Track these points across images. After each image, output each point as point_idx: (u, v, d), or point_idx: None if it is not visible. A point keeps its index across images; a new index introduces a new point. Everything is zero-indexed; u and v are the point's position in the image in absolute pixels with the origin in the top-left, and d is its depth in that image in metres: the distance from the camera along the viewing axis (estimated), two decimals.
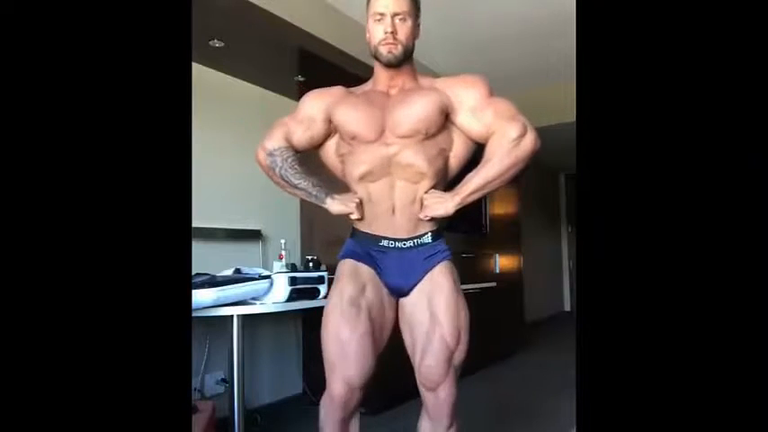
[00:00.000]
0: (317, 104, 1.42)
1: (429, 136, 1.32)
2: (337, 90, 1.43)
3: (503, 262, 4.05)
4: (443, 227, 1.40)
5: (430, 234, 1.36)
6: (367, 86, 1.43)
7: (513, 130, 1.27)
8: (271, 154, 1.41)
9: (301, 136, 1.42)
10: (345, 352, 1.26)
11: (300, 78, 2.66)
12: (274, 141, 1.42)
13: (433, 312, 1.30)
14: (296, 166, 1.41)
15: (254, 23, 2.15)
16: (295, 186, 1.41)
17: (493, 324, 3.76)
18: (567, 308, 7.58)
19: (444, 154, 1.35)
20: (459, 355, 1.30)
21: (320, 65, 2.50)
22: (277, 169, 1.41)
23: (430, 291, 1.32)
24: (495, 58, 3.98)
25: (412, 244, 1.34)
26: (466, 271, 3.46)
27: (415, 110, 1.31)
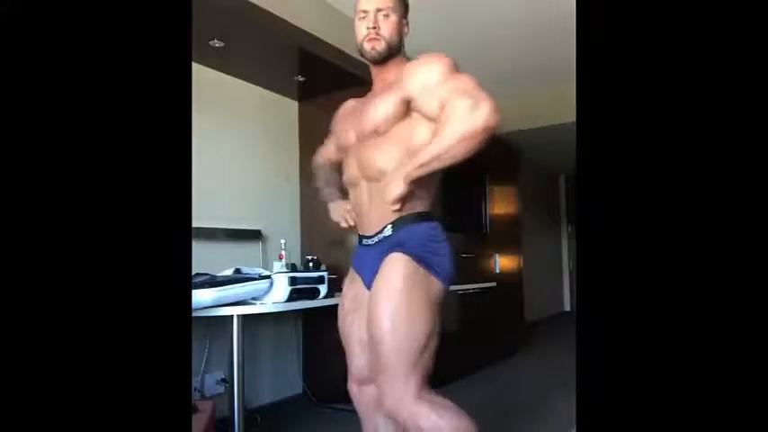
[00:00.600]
0: (333, 120, 1.55)
1: (382, 132, 1.29)
2: (347, 103, 1.54)
3: (503, 262, 4.05)
4: (417, 215, 1.30)
5: (390, 226, 1.30)
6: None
7: (465, 102, 1.15)
8: (314, 165, 1.72)
9: (329, 149, 1.64)
10: (347, 354, 1.42)
11: (300, 78, 2.66)
12: (316, 155, 1.71)
13: (369, 310, 1.26)
14: (325, 174, 1.67)
15: (254, 23, 2.15)
16: (319, 190, 1.67)
17: (493, 324, 3.77)
18: (567, 308, 7.58)
19: (405, 144, 1.28)
20: (391, 355, 1.19)
21: (320, 65, 2.50)
22: (315, 178, 1.71)
23: (375, 285, 1.27)
24: (495, 59, 3.99)
25: (377, 239, 1.33)
26: (466, 271, 3.47)
27: (375, 111, 1.31)
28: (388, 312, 1.20)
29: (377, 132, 1.30)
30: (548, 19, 3.32)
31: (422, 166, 1.20)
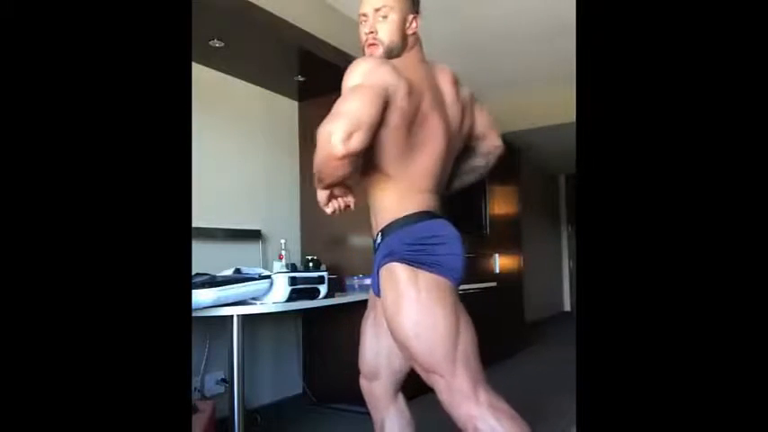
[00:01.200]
0: None
1: None
2: None
3: (503, 262, 4.05)
4: (408, 217, 1.26)
5: (380, 233, 1.29)
6: None
7: (323, 130, 1.10)
8: None
9: None
10: (360, 351, 1.46)
11: (300, 78, 2.66)
12: None
13: (388, 326, 1.27)
14: None
15: (254, 23, 2.15)
16: None
17: (493, 324, 3.76)
18: (567, 308, 7.58)
19: (371, 152, 1.22)
20: (426, 360, 1.20)
21: (320, 65, 2.50)
22: None
23: (382, 299, 1.27)
24: (497, 60, 3.99)
25: (375, 246, 1.32)
26: (466, 271, 3.44)
27: None
28: (405, 325, 1.20)
29: None
30: (549, 19, 3.32)
31: (317, 181, 1.21)
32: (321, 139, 1.10)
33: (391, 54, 1.30)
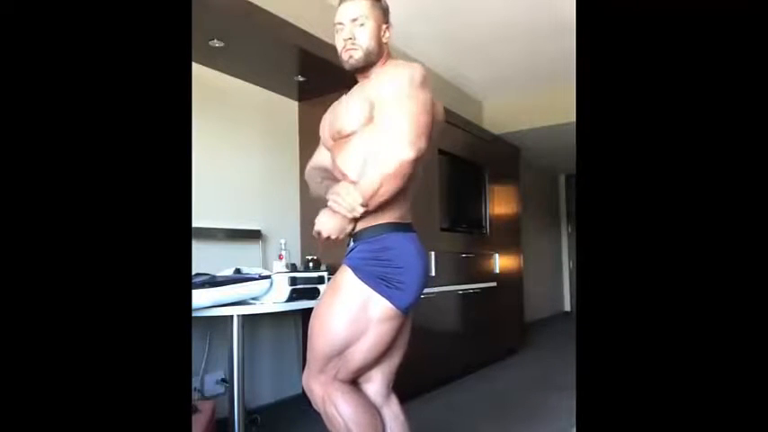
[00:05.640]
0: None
1: (346, 134, 1.31)
2: (334, 103, 1.52)
3: (503, 262, 4.05)
4: (379, 227, 1.28)
5: (351, 240, 1.32)
6: None
7: (394, 149, 1.18)
8: (306, 174, 1.62)
9: (321, 153, 1.56)
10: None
11: (300, 78, 2.66)
12: (308, 163, 1.62)
13: None
14: (315, 179, 1.58)
15: (253, 23, 2.15)
16: (319, 197, 1.57)
17: (493, 324, 3.77)
18: (567, 308, 7.57)
19: (365, 149, 1.26)
20: (310, 346, 1.31)
21: (320, 65, 2.50)
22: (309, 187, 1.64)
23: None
24: (496, 59, 3.98)
25: (348, 249, 1.33)
26: (466, 271, 3.48)
27: (341, 110, 1.35)
28: (315, 311, 1.32)
29: (340, 133, 1.32)
30: (549, 19, 3.32)
31: (366, 200, 1.19)
32: (392, 153, 1.17)
33: (369, 58, 1.34)
